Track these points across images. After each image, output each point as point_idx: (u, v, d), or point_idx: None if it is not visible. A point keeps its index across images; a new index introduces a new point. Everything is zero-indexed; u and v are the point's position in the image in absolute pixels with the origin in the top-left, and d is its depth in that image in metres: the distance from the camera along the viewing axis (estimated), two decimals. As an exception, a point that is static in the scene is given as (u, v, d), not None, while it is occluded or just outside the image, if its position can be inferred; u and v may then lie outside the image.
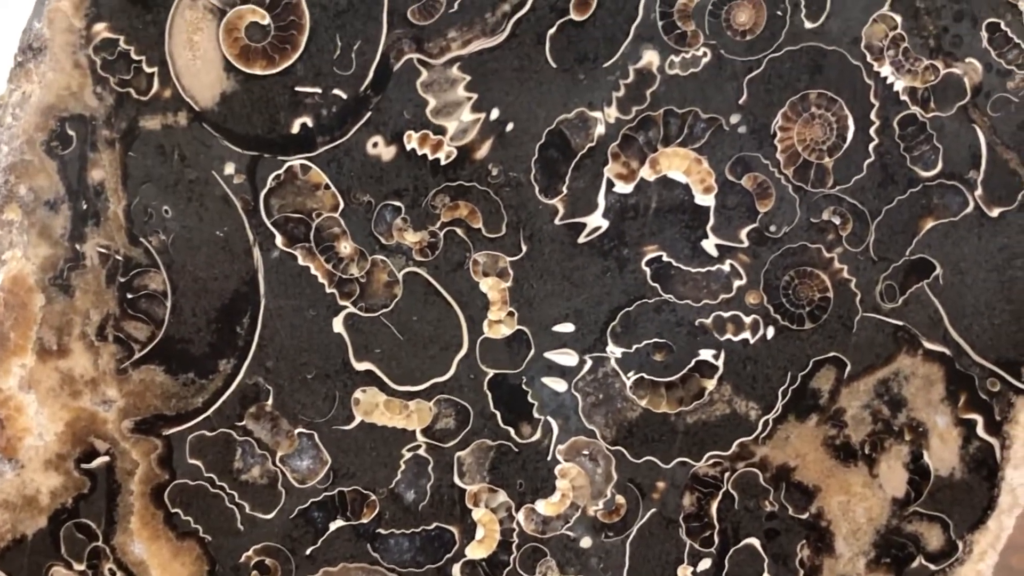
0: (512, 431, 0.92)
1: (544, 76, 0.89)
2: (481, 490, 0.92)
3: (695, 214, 0.90)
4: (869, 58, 0.89)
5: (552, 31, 0.88)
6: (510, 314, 0.91)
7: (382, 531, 0.92)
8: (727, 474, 0.92)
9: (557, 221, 0.90)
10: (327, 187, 0.89)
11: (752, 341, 0.91)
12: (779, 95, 0.89)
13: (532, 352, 0.91)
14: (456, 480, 0.92)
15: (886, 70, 0.89)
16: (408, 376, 0.91)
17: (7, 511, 0.91)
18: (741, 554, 0.93)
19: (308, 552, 0.92)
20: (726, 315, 0.91)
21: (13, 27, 0.90)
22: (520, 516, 0.92)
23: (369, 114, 0.89)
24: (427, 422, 0.91)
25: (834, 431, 0.92)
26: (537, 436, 0.92)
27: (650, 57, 0.89)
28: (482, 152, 0.89)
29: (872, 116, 0.89)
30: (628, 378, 0.91)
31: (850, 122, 0.89)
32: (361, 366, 0.91)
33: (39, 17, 0.87)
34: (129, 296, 0.90)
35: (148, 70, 0.88)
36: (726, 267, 0.91)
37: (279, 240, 0.89)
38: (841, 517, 0.93)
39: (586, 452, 0.92)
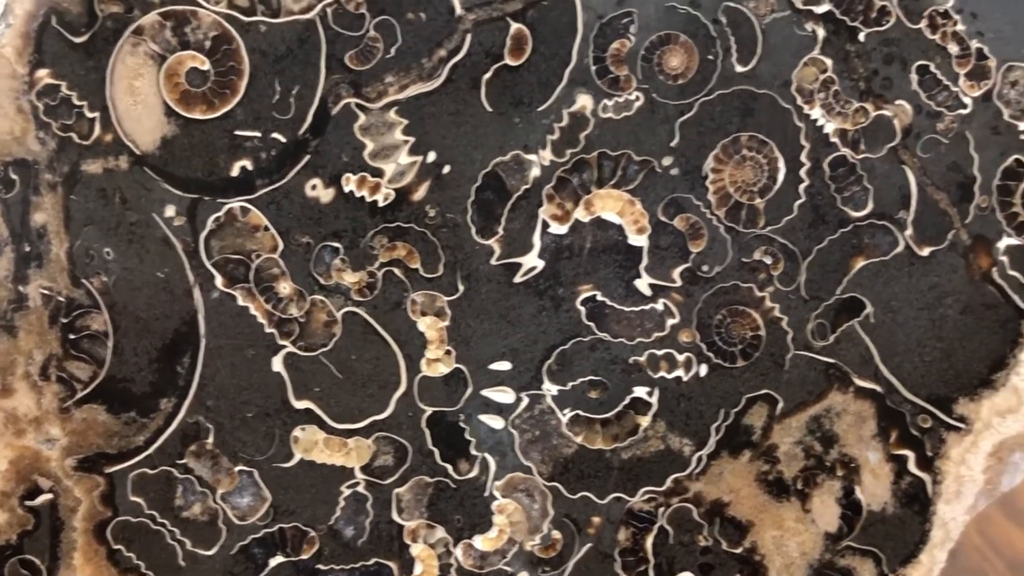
0: (450, 468, 0.93)
1: (480, 120, 0.90)
2: (419, 526, 0.94)
3: (629, 254, 0.92)
4: (800, 101, 0.90)
5: (488, 76, 0.90)
6: (448, 352, 0.92)
7: (322, 567, 0.94)
8: (662, 509, 0.94)
9: (493, 261, 0.91)
10: (267, 229, 0.90)
11: (686, 378, 0.93)
12: (711, 138, 0.91)
13: (469, 390, 0.92)
14: (395, 516, 0.94)
15: (817, 113, 0.91)
16: (347, 414, 0.92)
17: (-47, 547, 0.92)
18: (677, 588, 0.94)
19: (250, 587, 0.94)
20: (660, 353, 0.92)
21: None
22: (458, 551, 0.94)
23: (308, 157, 0.90)
24: (366, 459, 0.93)
25: (767, 467, 0.93)
26: (474, 472, 0.93)
27: (584, 101, 0.90)
28: (419, 194, 0.91)
29: (803, 158, 0.91)
30: (564, 415, 0.93)
31: (781, 164, 0.91)
32: (300, 404, 0.92)
33: (-18, 63, 0.89)
34: (72, 336, 0.91)
35: (90, 115, 0.89)
36: (660, 306, 0.92)
37: (219, 281, 0.91)
38: (775, 551, 0.94)
39: (523, 488, 0.94)
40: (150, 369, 0.91)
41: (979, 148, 0.91)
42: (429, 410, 0.92)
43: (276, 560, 0.93)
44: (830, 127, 0.90)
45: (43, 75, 0.89)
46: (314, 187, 0.90)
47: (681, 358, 0.92)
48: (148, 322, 0.91)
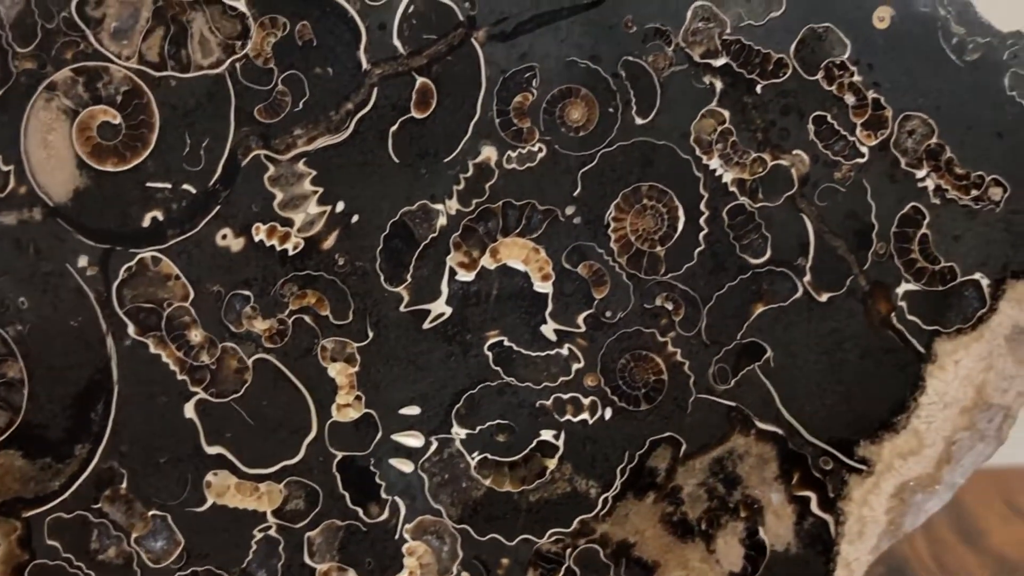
0: (361, 511, 0.95)
1: (387, 171, 0.92)
2: (331, 569, 0.96)
3: (534, 301, 0.94)
4: (699, 152, 0.93)
5: (394, 128, 0.92)
6: (358, 398, 0.94)
7: (234, 609, 0.95)
8: (569, 550, 0.96)
9: (402, 308, 0.93)
10: (178, 278, 0.92)
11: (591, 422, 0.95)
12: (612, 187, 0.93)
13: (379, 434, 0.94)
14: (306, 559, 0.95)
15: (715, 163, 0.93)
16: (259, 459, 0.94)
17: None
18: (585, 627, 0.96)
19: (166, 628, 0.96)
20: (566, 397, 0.94)
21: None
22: (368, 593, 0.96)
23: (218, 207, 0.92)
24: (277, 503, 0.95)
25: (672, 508, 0.95)
26: (385, 516, 0.95)
27: (488, 153, 0.92)
28: (329, 243, 0.93)
29: (702, 207, 0.93)
30: (472, 458, 0.95)
31: (681, 213, 0.93)
32: (212, 450, 0.94)
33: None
34: (-12, 384, 0.93)
35: (4, 168, 0.91)
36: (565, 351, 0.94)
37: (131, 329, 0.93)
38: (680, 592, 0.96)
39: (433, 530, 0.95)
40: (65, 416, 0.93)
41: (876, 196, 0.93)
42: (340, 454, 0.94)
43: (189, 603, 0.95)
44: (728, 177, 0.92)
45: (-42, 129, 0.91)
46: (224, 237, 0.92)
47: (586, 402, 0.94)
48: (62, 370, 0.93)
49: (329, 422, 0.94)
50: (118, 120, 0.91)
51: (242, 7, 0.91)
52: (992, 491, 1.47)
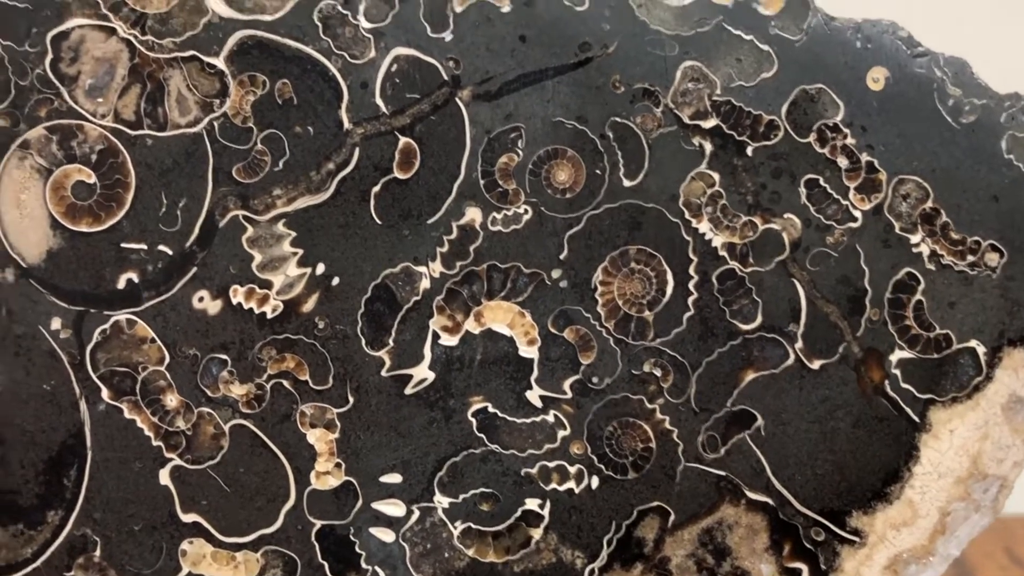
0: (339, 581, 0.93)
1: (369, 232, 0.90)
2: (308, 640, 0.93)
3: (519, 366, 0.91)
4: (688, 215, 0.91)
5: (376, 189, 0.90)
6: (337, 465, 0.92)
7: None
8: (553, 623, 0.93)
9: (384, 373, 0.91)
10: (153, 341, 0.90)
11: (577, 491, 0.92)
12: (599, 251, 0.91)
13: (360, 503, 0.92)
14: (283, 630, 0.93)
15: (704, 226, 0.91)
16: (235, 527, 0.92)
17: None
18: None
19: None
20: (551, 465, 0.92)
21: None
22: (347, 666, 0.93)
23: (195, 269, 0.90)
24: (255, 573, 0.92)
25: (659, 580, 0.93)
26: (364, 586, 0.93)
27: (473, 214, 0.90)
28: (308, 306, 0.91)
29: (691, 271, 0.91)
30: (455, 527, 0.92)
31: (669, 277, 0.91)
32: (188, 518, 0.92)
33: None
34: (-42, 449, 0.91)
35: (-24, 228, 0.89)
36: (551, 417, 0.92)
37: (105, 393, 0.90)
38: (667, 665, 0.93)
39: (413, 601, 0.93)
40: (37, 481, 0.91)
41: (870, 261, 0.91)
42: (319, 523, 0.92)
43: (162, 675, 0.93)
44: (718, 241, 0.90)
45: (-70, 188, 0.89)
46: (201, 299, 0.90)
47: (573, 470, 0.92)
48: (35, 434, 0.91)
49: (308, 490, 0.91)
50: (93, 179, 0.89)
51: (221, 65, 0.88)
52: (992, 540, 1.45)
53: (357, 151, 0.90)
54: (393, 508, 0.92)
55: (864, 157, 0.91)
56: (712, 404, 0.92)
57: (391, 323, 0.91)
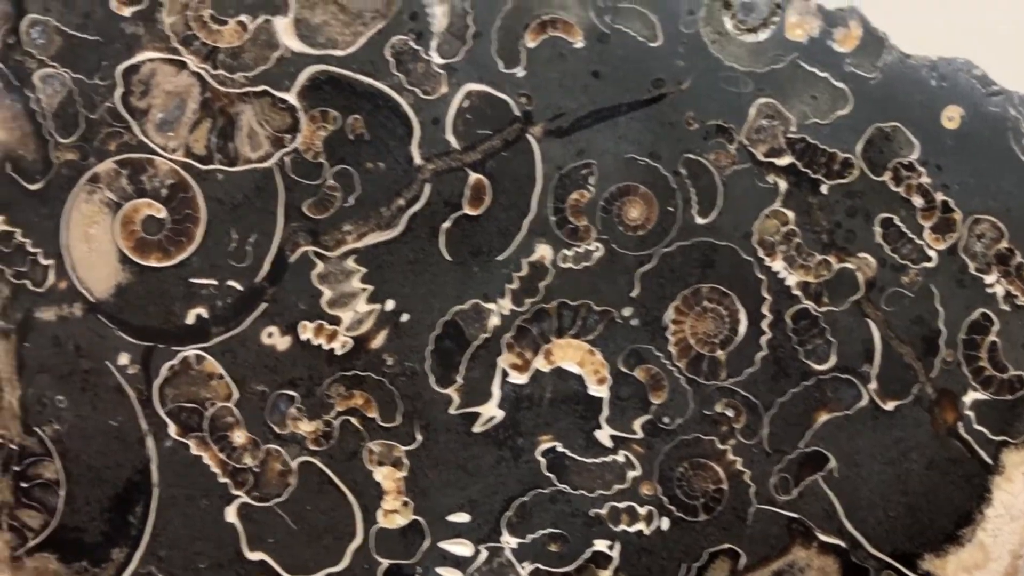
0: (406, 621, 0.92)
1: (439, 268, 0.89)
2: None
3: (589, 405, 0.91)
4: (761, 253, 0.90)
5: (447, 225, 0.89)
6: (405, 504, 0.91)
7: None
8: (621, 665, 0.92)
9: (452, 411, 0.90)
10: (221, 377, 0.89)
11: (647, 532, 0.91)
12: (671, 289, 0.90)
13: (427, 542, 0.91)
14: (348, 670, 0.92)
15: (779, 265, 0.90)
16: (301, 566, 0.91)
17: None
18: None
19: None
20: (621, 506, 0.91)
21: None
22: None
23: (264, 305, 0.89)
24: (320, 612, 0.91)
25: (729, 623, 0.92)
26: (431, 626, 0.92)
27: (543, 251, 0.90)
28: (377, 342, 0.90)
29: (764, 310, 0.90)
30: (523, 568, 0.91)
31: (742, 316, 0.90)
32: (254, 556, 0.91)
33: (-64, 209, 0.89)
34: (23, 485, 0.90)
35: (44, 262, 0.88)
36: (620, 458, 0.91)
37: (172, 429, 0.90)
38: None
39: (480, 642, 0.92)
40: (102, 518, 0.90)
41: (944, 302, 0.90)
42: (385, 563, 0.91)
43: None
44: (792, 279, 0.89)
45: (-3, 222, 0.88)
46: (270, 335, 0.89)
47: (642, 511, 0.91)
48: (100, 471, 0.90)
49: (375, 528, 0.90)
50: (163, 214, 0.88)
51: (292, 100, 0.88)
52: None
53: (428, 187, 0.89)
54: (460, 548, 0.91)
55: (939, 196, 0.90)
56: (785, 445, 0.91)
57: (460, 360, 0.90)
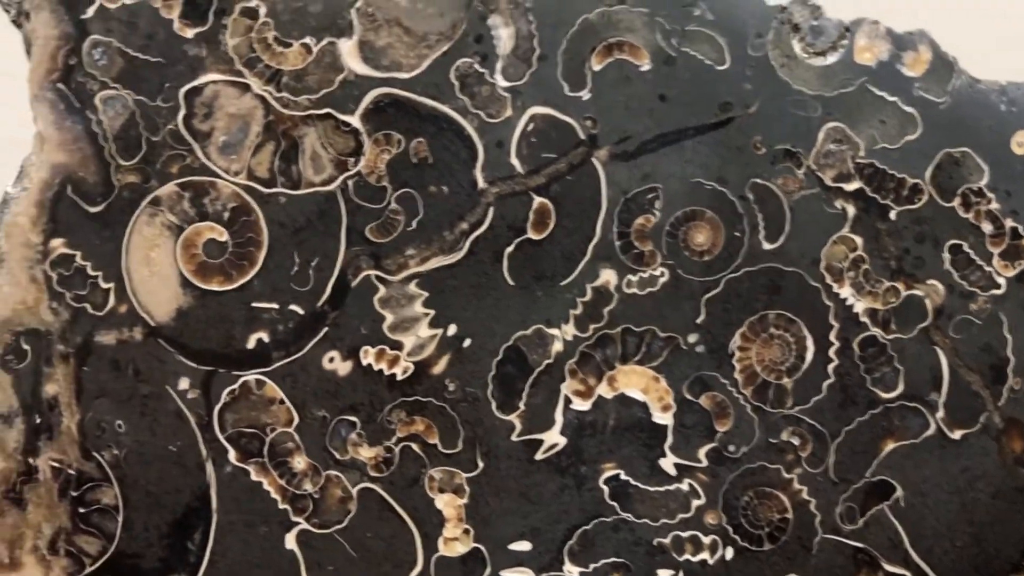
0: (466, 650, 0.90)
1: (502, 293, 0.88)
2: None
3: (653, 432, 0.89)
4: (829, 279, 0.89)
5: (510, 249, 0.88)
6: (466, 531, 0.90)
7: None
8: None
9: (514, 437, 0.89)
10: (282, 402, 0.89)
11: (711, 562, 0.90)
12: (737, 315, 0.89)
13: (488, 570, 0.90)
14: None
15: (846, 291, 0.89)
16: (361, 593, 0.90)
17: None
18: None
19: None
20: (685, 535, 0.90)
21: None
22: None
23: (326, 329, 0.88)
24: (380, 640, 0.90)
25: (794, 653, 0.91)
26: (492, 655, 0.91)
27: (608, 276, 0.89)
28: (439, 367, 0.89)
29: (832, 337, 0.89)
30: (585, 597, 0.90)
31: (809, 343, 0.89)
32: (314, 583, 0.90)
33: (-4, 230, 0.88)
34: (81, 510, 0.89)
35: (104, 285, 0.88)
36: (685, 486, 0.90)
37: (232, 455, 0.89)
38: None
39: (542, 672, 0.91)
40: (160, 544, 0.89)
41: (1013, 329, 0.89)
42: (446, 590, 0.90)
43: None
44: (860, 306, 0.88)
45: (58, 244, 0.87)
46: (331, 360, 0.88)
47: (707, 540, 0.90)
48: (159, 496, 0.89)
49: (435, 556, 0.89)
50: (225, 237, 0.87)
51: (356, 123, 0.87)
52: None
53: (491, 211, 0.88)
54: (522, 576, 0.90)
55: (1008, 223, 0.89)
56: (851, 474, 0.90)
57: (522, 386, 0.89)
